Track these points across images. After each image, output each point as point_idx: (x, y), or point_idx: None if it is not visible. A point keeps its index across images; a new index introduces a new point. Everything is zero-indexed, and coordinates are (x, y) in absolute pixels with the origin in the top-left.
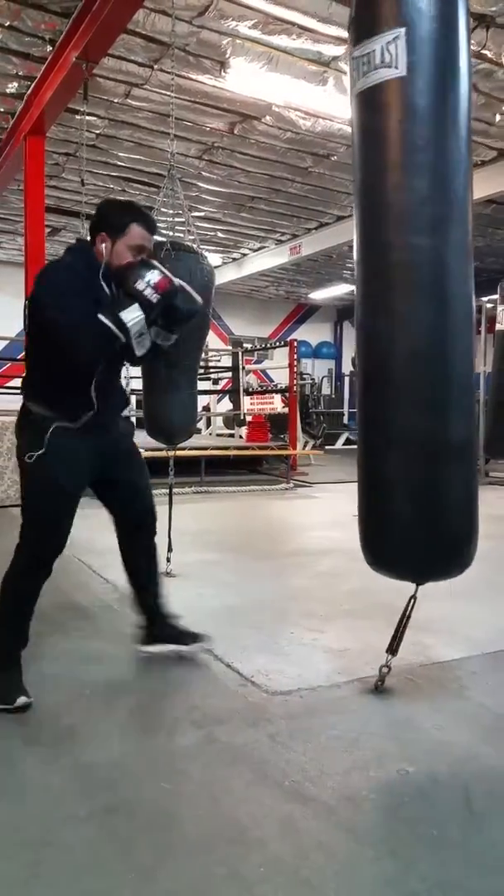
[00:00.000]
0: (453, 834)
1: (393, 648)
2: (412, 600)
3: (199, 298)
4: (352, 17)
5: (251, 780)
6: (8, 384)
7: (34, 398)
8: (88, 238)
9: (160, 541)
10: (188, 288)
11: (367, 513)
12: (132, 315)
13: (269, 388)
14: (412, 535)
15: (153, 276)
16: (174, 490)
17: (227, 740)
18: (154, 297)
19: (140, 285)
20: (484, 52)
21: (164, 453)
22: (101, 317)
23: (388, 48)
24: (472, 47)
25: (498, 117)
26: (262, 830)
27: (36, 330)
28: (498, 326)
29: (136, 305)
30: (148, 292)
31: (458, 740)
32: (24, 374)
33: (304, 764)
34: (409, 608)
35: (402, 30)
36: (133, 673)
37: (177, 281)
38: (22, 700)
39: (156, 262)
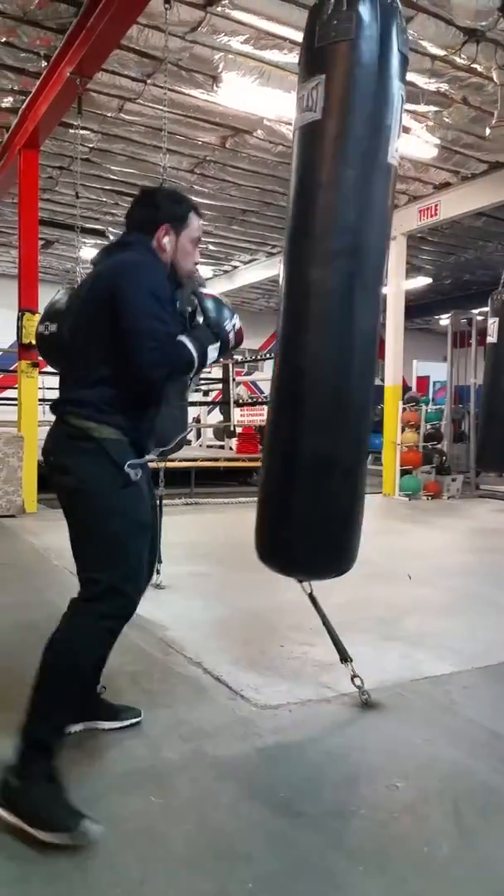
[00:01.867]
0: (444, 850)
1: (345, 657)
2: (312, 598)
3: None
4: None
5: (239, 794)
6: (1, 395)
7: (98, 417)
8: (132, 230)
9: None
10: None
11: (262, 515)
12: (214, 354)
13: (260, 399)
14: (295, 535)
15: (237, 323)
16: (164, 501)
17: (215, 754)
18: (232, 344)
19: (227, 326)
20: (474, 66)
21: (153, 464)
22: (187, 343)
23: (311, 94)
24: (462, 62)
25: (488, 131)
26: (250, 846)
27: (112, 336)
28: (489, 339)
29: (218, 345)
30: (231, 338)
31: (449, 755)
32: (71, 388)
33: (292, 779)
34: (317, 606)
35: (323, 76)
36: (122, 686)
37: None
38: (87, 825)
39: (230, 307)
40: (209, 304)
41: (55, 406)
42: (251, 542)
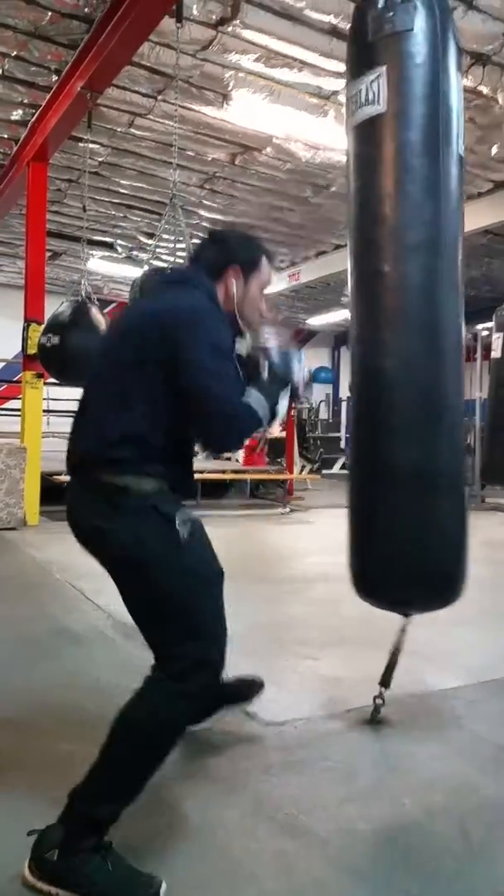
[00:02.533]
0: (451, 867)
1: (386, 681)
2: (402, 632)
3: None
4: (346, 60)
5: (245, 813)
6: (4, 406)
7: (134, 469)
8: (195, 268)
9: None
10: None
11: (357, 543)
12: (283, 408)
13: None
14: (399, 568)
15: (304, 371)
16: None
17: (219, 772)
18: (302, 392)
19: (297, 376)
20: (480, 87)
21: None
22: (255, 407)
23: (372, 86)
24: (468, 84)
25: (494, 150)
26: (255, 865)
27: (164, 383)
28: (493, 354)
29: (288, 395)
30: (301, 388)
31: (455, 771)
32: (97, 433)
33: (298, 796)
34: (400, 640)
35: (384, 68)
36: (124, 701)
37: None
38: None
39: (296, 353)
40: (276, 357)
41: (75, 459)
42: (257, 555)
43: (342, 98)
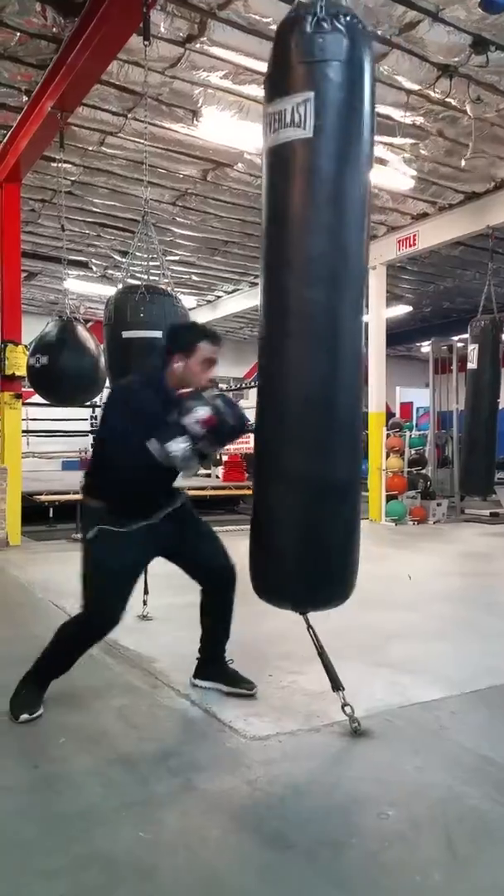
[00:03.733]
0: (436, 879)
1: (337, 686)
2: (311, 629)
3: (244, 414)
4: (267, 75)
5: (229, 827)
6: None
7: (97, 494)
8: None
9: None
10: (235, 405)
11: (255, 544)
12: (179, 446)
13: (246, 427)
14: (293, 568)
15: (202, 413)
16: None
17: (204, 787)
18: (200, 433)
19: (188, 419)
20: (448, 99)
21: None
22: (149, 445)
23: (298, 109)
24: (437, 95)
25: (463, 162)
26: (241, 879)
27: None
28: (469, 365)
29: (186, 437)
30: (195, 428)
31: (439, 782)
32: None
33: (283, 810)
34: (315, 636)
35: (312, 93)
36: (110, 720)
37: (222, 403)
38: (24, 717)
39: (207, 398)
40: (186, 405)
41: None
42: (238, 571)
43: None
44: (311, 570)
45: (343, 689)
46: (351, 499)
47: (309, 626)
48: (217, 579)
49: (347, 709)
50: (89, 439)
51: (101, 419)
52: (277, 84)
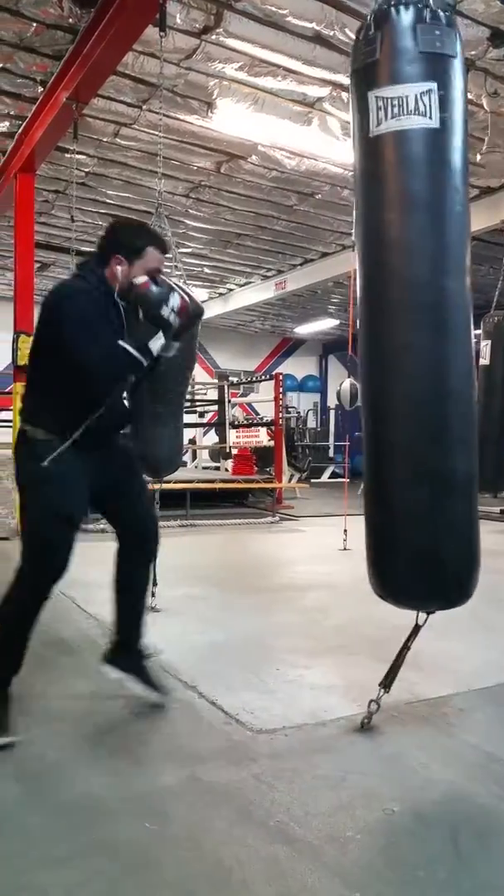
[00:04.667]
0: (441, 875)
1: (386, 683)
2: (415, 631)
3: (199, 302)
4: (370, 60)
5: (235, 820)
6: None
7: (33, 421)
8: (95, 257)
9: None
10: (191, 293)
11: (375, 543)
12: (157, 343)
13: (255, 421)
14: (417, 566)
15: (175, 301)
16: (159, 523)
17: (210, 780)
18: (177, 322)
19: (164, 311)
20: None
21: (149, 486)
22: (125, 346)
23: (423, 98)
24: None
25: (479, 157)
26: (246, 872)
27: (47, 353)
28: (482, 361)
29: (160, 332)
30: (172, 318)
31: (446, 778)
32: (23, 398)
33: (289, 804)
34: (410, 640)
35: (434, 85)
36: (117, 710)
37: (181, 288)
38: (3, 741)
39: (173, 283)
40: (146, 299)
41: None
42: (246, 564)
43: (327, 105)
44: (434, 568)
45: (388, 690)
46: (470, 492)
47: (417, 627)
48: (138, 541)
49: (374, 706)
50: None
51: (56, 328)
52: (393, 70)
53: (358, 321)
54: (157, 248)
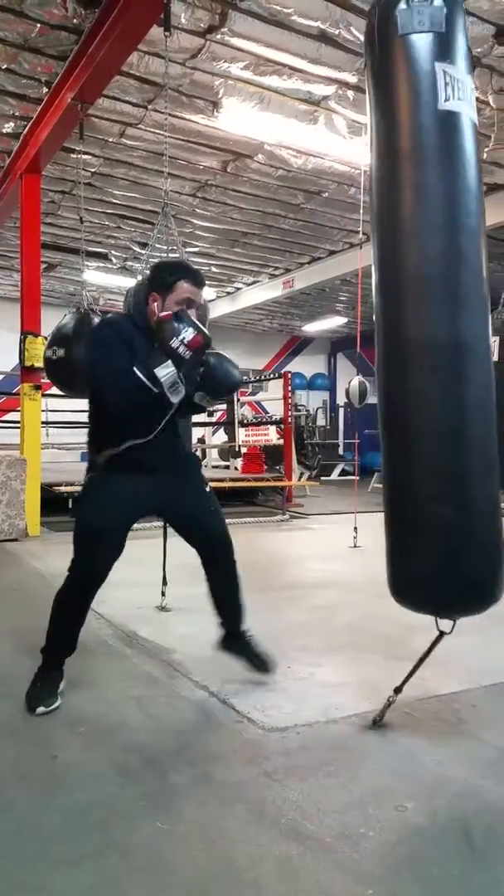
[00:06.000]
0: (454, 872)
1: (399, 688)
2: (440, 637)
3: (237, 373)
4: (440, 30)
5: (247, 818)
6: (3, 418)
7: (88, 443)
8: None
9: (156, 574)
10: (228, 360)
11: (394, 548)
12: (165, 371)
13: (264, 419)
14: (438, 572)
15: (187, 334)
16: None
17: (222, 778)
18: (186, 354)
19: (174, 343)
20: None
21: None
22: (135, 370)
23: (467, 83)
24: None
25: (485, 154)
26: (258, 871)
27: (87, 382)
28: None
29: (169, 361)
30: (181, 350)
31: (458, 775)
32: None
33: (301, 802)
34: (433, 646)
35: (469, 76)
36: (128, 710)
37: (198, 324)
38: (40, 710)
39: (190, 318)
40: (161, 329)
41: None
42: (257, 562)
43: (332, 104)
44: (457, 575)
45: (399, 692)
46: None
47: (441, 633)
48: (212, 551)
49: (391, 699)
50: None
51: (84, 356)
52: (455, 50)
53: None
54: (187, 281)
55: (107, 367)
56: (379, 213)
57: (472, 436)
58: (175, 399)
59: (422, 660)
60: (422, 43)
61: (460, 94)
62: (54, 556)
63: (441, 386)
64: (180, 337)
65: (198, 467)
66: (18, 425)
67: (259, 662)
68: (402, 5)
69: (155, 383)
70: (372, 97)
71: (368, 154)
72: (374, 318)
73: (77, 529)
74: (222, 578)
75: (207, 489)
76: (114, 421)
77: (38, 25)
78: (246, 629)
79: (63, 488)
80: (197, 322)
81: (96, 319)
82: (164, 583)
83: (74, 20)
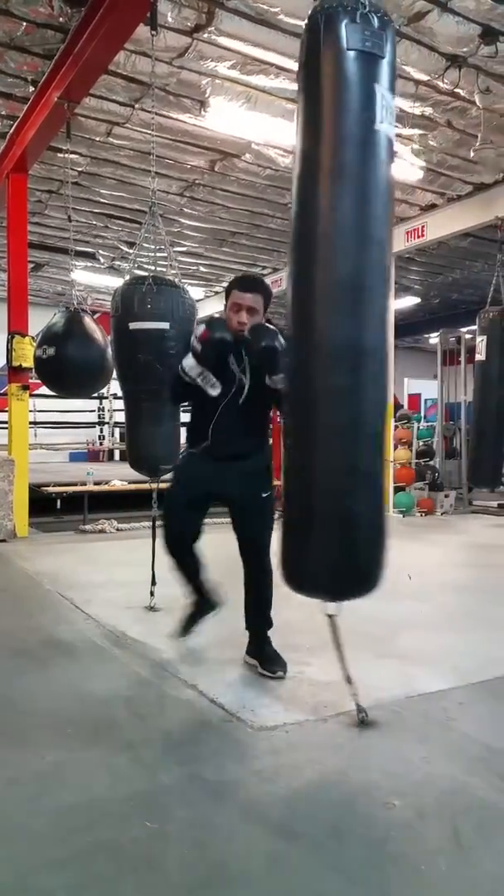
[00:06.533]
0: (442, 868)
1: (347, 678)
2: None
3: (275, 335)
4: (380, 52)
5: (236, 817)
6: None
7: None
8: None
9: (145, 574)
10: (218, 327)
11: (287, 537)
12: (188, 362)
13: None
14: (327, 558)
15: (197, 330)
16: (157, 523)
17: (211, 777)
18: (198, 346)
19: (192, 340)
20: (457, 90)
21: (147, 486)
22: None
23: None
24: (446, 86)
25: (472, 153)
26: (247, 869)
27: None
28: (477, 357)
29: (190, 354)
30: (194, 343)
31: (446, 772)
32: None
33: (289, 800)
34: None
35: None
36: (116, 710)
37: (213, 323)
38: (175, 639)
39: (213, 318)
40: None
41: None
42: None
43: None
44: (345, 561)
45: (352, 682)
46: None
47: (331, 617)
48: (243, 550)
49: (356, 699)
50: (96, 430)
51: None
52: (393, 76)
53: None
54: (238, 289)
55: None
56: (299, 225)
57: (368, 434)
58: (212, 391)
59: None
60: (364, 62)
61: (391, 118)
62: (42, 557)
63: (345, 385)
64: (195, 333)
65: (262, 474)
66: (6, 426)
67: (274, 667)
68: (347, 20)
69: (184, 373)
70: (303, 97)
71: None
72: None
73: (166, 496)
74: (247, 580)
75: (265, 495)
76: (191, 414)
77: (24, 24)
78: (261, 630)
79: (51, 489)
80: (217, 319)
81: (87, 318)
82: (154, 583)
83: (60, 19)
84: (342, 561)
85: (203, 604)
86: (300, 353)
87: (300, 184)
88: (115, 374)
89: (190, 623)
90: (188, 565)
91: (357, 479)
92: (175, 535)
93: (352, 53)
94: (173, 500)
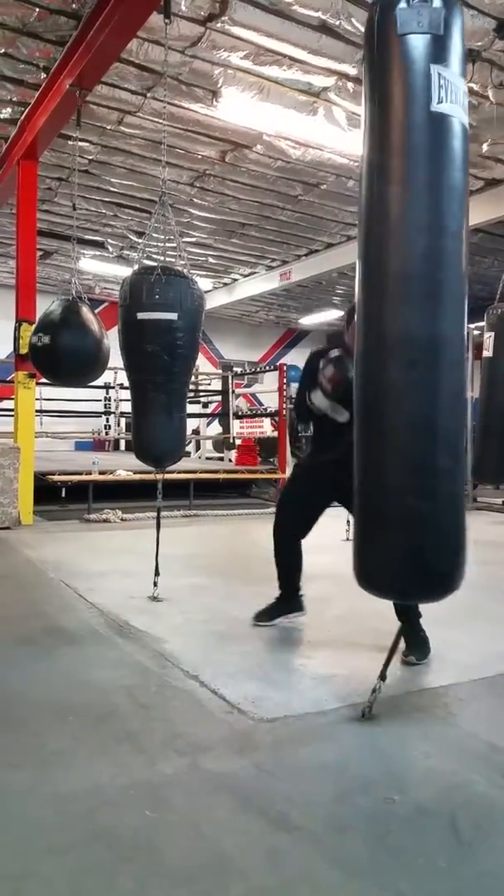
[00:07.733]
0: (441, 864)
1: (383, 674)
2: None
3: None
4: (437, 32)
5: (236, 808)
6: None
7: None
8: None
9: (148, 564)
10: (348, 368)
11: (361, 537)
12: (317, 399)
13: (259, 411)
14: (402, 559)
15: (326, 371)
16: (162, 513)
17: (211, 768)
18: (328, 386)
19: (321, 378)
20: (470, 84)
21: (152, 476)
22: (306, 396)
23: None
24: None
25: (485, 148)
26: (246, 860)
27: None
28: (485, 353)
29: (320, 392)
30: (324, 384)
31: (446, 768)
32: None
33: (290, 792)
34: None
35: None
36: (117, 699)
37: (343, 363)
38: (254, 623)
39: (336, 358)
40: (322, 366)
41: None
42: (249, 554)
43: (332, 95)
44: (420, 562)
45: (384, 679)
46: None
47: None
48: None
49: (377, 687)
50: (102, 420)
51: None
52: (451, 52)
53: None
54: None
55: (300, 388)
56: (368, 208)
57: (442, 430)
58: (340, 419)
59: (395, 647)
60: (419, 44)
61: (453, 97)
62: (46, 546)
63: (417, 380)
64: (326, 374)
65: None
66: (12, 413)
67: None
68: (403, 4)
69: (312, 405)
70: (367, 92)
71: (361, 147)
72: (355, 312)
73: (283, 491)
74: None
75: None
76: (314, 426)
77: (37, 10)
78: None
79: (56, 477)
80: (343, 362)
81: (84, 308)
82: (157, 573)
83: (73, 5)
84: (411, 561)
85: (288, 604)
86: (374, 348)
87: (370, 172)
88: (121, 364)
89: (273, 613)
90: (290, 560)
91: (430, 477)
92: (283, 530)
93: (407, 37)
94: (283, 499)
